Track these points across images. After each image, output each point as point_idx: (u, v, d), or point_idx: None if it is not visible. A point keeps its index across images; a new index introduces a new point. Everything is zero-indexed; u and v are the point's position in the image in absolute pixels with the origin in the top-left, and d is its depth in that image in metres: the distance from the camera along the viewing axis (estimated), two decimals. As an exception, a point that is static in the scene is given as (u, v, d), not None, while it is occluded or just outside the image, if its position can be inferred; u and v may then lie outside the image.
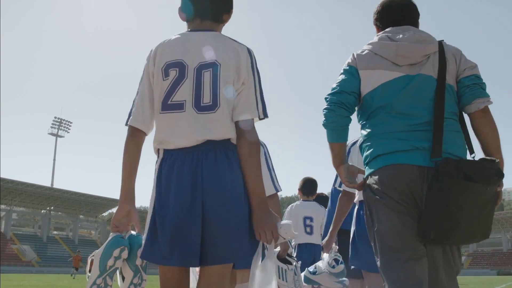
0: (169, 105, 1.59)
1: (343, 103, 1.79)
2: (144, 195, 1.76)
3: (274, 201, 2.67)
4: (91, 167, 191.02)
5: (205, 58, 1.60)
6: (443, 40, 1.85)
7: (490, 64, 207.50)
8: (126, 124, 1.65)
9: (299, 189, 4.56)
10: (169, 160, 1.57)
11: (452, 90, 1.78)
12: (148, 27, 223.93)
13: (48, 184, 73.42)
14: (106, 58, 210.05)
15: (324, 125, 1.84)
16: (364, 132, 1.85)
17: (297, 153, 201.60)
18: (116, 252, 1.56)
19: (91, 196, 70.41)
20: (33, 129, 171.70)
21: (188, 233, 1.49)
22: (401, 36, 1.81)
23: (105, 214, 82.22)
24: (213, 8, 1.72)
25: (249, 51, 1.66)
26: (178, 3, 1.77)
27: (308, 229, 4.35)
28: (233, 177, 1.55)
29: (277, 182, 2.77)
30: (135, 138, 1.64)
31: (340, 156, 1.89)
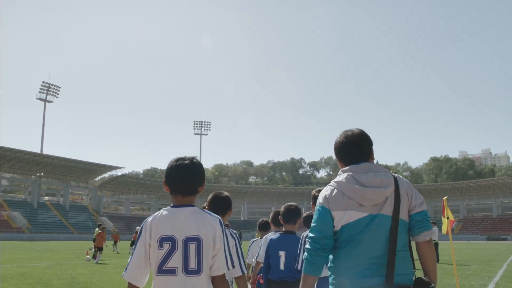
0: (163, 270, 2.05)
1: (324, 248, 2.16)
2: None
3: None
4: (81, 132, 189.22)
5: (190, 233, 2.07)
6: (396, 174, 2.23)
7: (490, 61, 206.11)
8: (123, 276, 2.10)
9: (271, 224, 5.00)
10: None
11: (405, 224, 2.15)
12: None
13: (38, 150, 72.00)
14: (97, 20, 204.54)
15: (306, 259, 2.19)
16: (331, 261, 2.20)
17: (292, 149, 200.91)
18: None
19: (81, 162, 69.69)
20: (21, 95, 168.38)
21: None
22: (364, 178, 2.16)
23: (96, 179, 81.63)
24: (191, 186, 2.18)
25: (220, 221, 2.15)
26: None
27: None
28: None
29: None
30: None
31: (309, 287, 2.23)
